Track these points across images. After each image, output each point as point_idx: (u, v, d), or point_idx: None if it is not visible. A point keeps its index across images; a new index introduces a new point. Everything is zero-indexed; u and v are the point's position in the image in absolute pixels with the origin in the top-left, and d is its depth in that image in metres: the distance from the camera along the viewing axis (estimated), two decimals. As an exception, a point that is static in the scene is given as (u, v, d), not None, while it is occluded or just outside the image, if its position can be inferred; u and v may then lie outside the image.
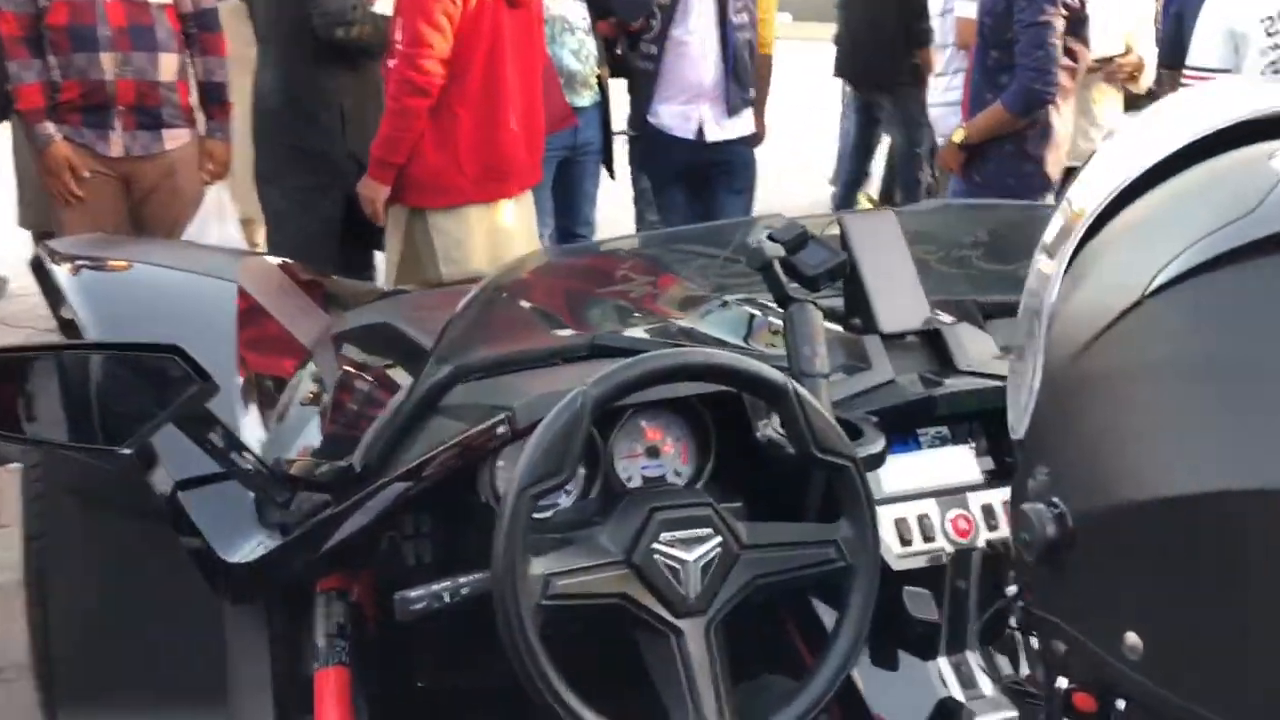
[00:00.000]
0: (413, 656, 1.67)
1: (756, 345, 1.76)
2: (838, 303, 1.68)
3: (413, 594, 1.26)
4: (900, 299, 1.65)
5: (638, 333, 1.79)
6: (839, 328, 1.67)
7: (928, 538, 1.55)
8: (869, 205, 6.42)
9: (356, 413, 1.76)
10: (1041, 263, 0.86)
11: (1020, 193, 3.57)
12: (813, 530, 1.32)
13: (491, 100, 3.36)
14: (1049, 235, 0.87)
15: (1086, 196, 0.84)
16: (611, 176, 4.53)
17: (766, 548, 1.29)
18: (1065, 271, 0.84)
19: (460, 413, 1.53)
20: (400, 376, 1.84)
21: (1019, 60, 3.48)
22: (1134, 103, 5.71)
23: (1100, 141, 2.45)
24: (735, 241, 1.90)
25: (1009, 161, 3.60)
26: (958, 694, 1.52)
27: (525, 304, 1.82)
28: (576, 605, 1.21)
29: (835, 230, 1.67)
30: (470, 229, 3.44)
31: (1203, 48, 2.96)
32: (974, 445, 1.65)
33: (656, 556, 1.24)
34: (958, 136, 3.68)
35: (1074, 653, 0.80)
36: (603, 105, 4.34)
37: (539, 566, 1.19)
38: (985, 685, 1.54)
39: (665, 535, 1.25)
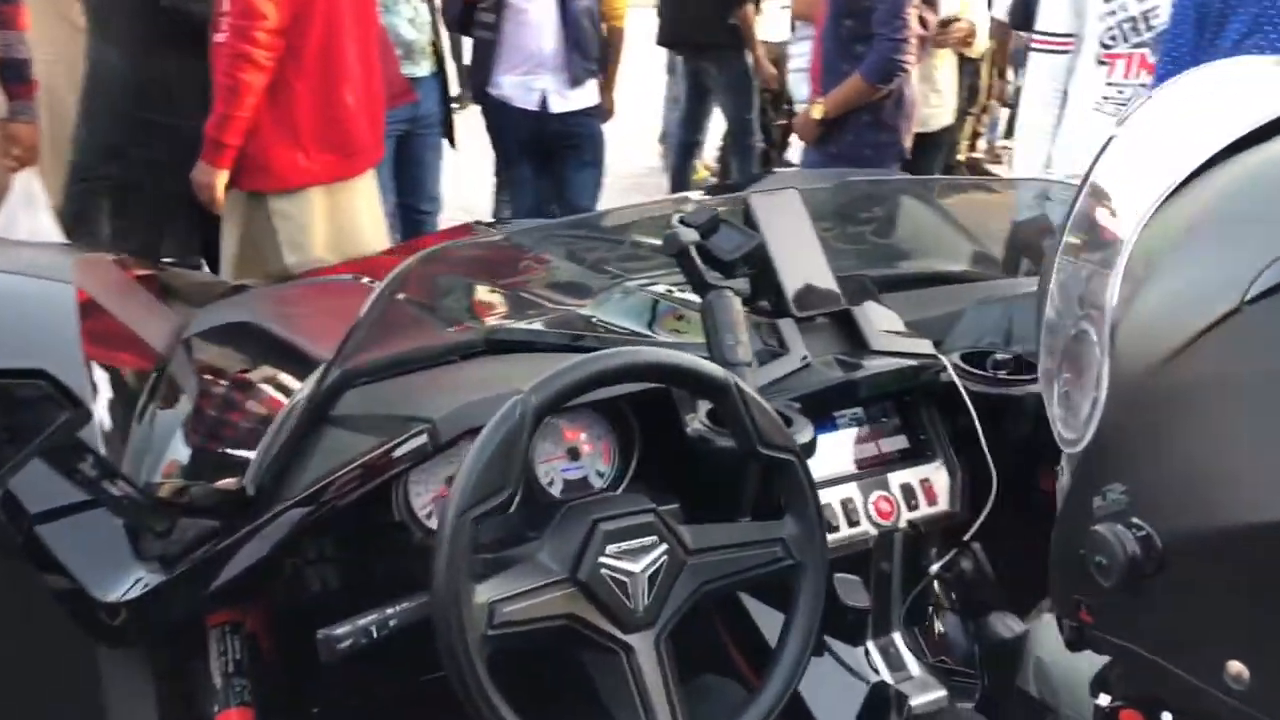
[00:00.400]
0: (321, 688, 1.54)
1: (661, 333, 1.69)
2: (740, 283, 1.63)
3: (338, 631, 1.14)
4: (811, 280, 1.61)
5: (537, 325, 1.69)
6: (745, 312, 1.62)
7: (853, 522, 1.53)
8: (706, 174, 6.41)
9: (233, 426, 1.61)
10: (1076, 258, 0.81)
11: (876, 162, 3.59)
12: (758, 529, 1.26)
13: (330, 74, 3.16)
14: (1077, 228, 0.82)
15: (1122, 187, 0.79)
16: (453, 147, 4.37)
17: (712, 551, 1.23)
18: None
19: (358, 423, 1.41)
20: (274, 382, 1.70)
21: (877, 30, 3.48)
22: (966, 67, 5.88)
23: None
24: (643, 227, 1.81)
25: (866, 132, 3.61)
26: (886, 677, 1.50)
27: (416, 300, 1.69)
28: (524, 631, 1.12)
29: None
30: (314, 213, 3.23)
31: (1049, 13, 3.02)
32: (887, 423, 1.63)
33: (603, 571, 1.16)
34: (816, 112, 3.65)
35: (1152, 679, 0.75)
36: (440, 75, 4.18)
37: (482, 594, 1.10)
38: (913, 666, 1.53)
39: (610, 548, 1.17)
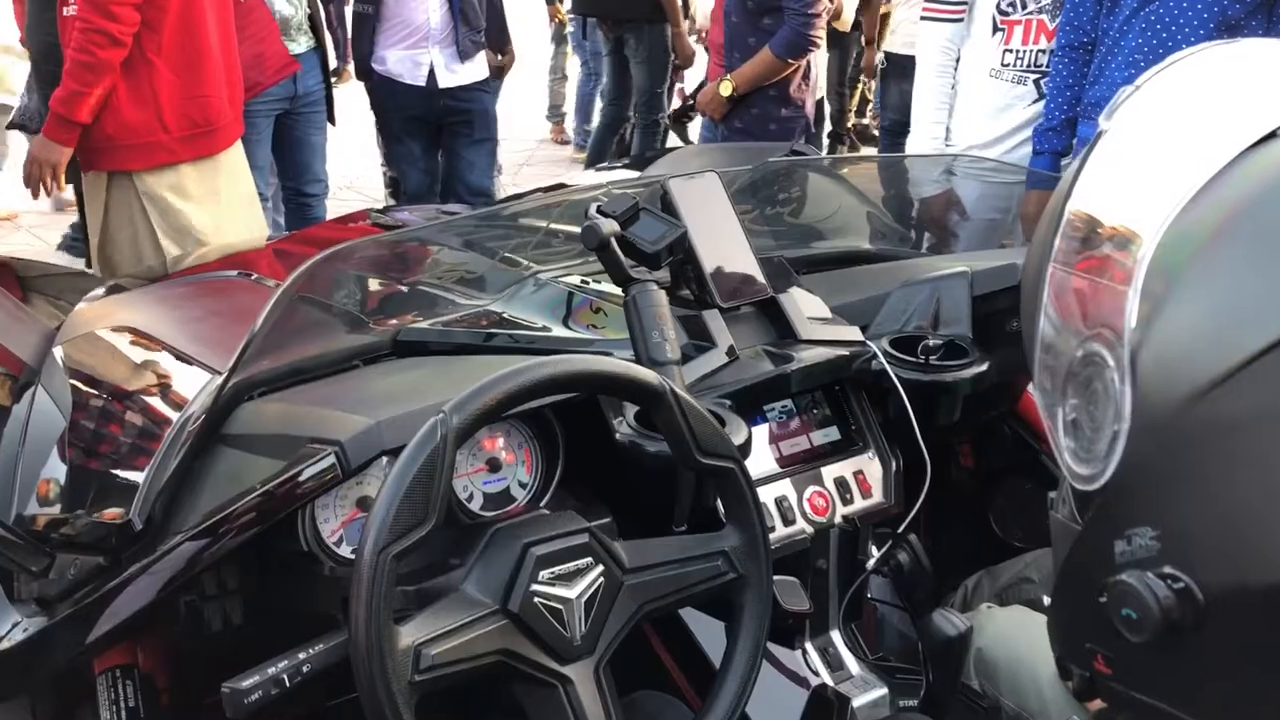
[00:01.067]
0: None
1: (577, 327, 1.60)
2: (661, 274, 1.54)
3: (244, 684, 1.03)
4: (735, 269, 1.54)
5: (444, 323, 1.58)
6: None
7: (788, 521, 1.46)
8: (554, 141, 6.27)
9: (115, 447, 1.47)
10: (1072, 269, 0.74)
11: (781, 136, 3.53)
12: (698, 542, 1.18)
13: (190, 48, 2.99)
14: (1071, 234, 0.75)
15: (1124, 189, 0.72)
16: (333, 124, 4.18)
17: (651, 569, 1.15)
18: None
19: (256, 443, 1.29)
20: (160, 396, 1.56)
21: (787, 5, 3.41)
22: (837, 41, 5.87)
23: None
24: (555, 214, 1.71)
25: (772, 106, 3.53)
26: (826, 678, 1.45)
27: (313, 299, 1.57)
28: (453, 673, 1.02)
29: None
30: (186, 192, 3.06)
31: None
32: (817, 414, 1.57)
33: (536, 600, 1.07)
34: (725, 88, 3.54)
35: None
36: (319, 51, 3.99)
37: (406, 636, 1.00)
38: (853, 665, 1.49)
39: (543, 573, 1.08)
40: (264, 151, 3.78)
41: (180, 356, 1.58)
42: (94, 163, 2.98)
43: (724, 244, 1.54)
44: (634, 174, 2.70)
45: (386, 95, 3.99)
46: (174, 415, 1.40)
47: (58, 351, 1.71)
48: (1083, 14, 2.64)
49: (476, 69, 4.05)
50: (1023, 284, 0.92)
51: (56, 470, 1.46)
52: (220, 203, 3.14)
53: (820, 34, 3.48)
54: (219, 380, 1.34)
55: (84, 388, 1.61)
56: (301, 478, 1.14)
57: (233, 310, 1.83)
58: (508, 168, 5.83)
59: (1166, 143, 0.77)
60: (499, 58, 4.66)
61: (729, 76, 3.53)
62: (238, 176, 3.26)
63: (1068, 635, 0.83)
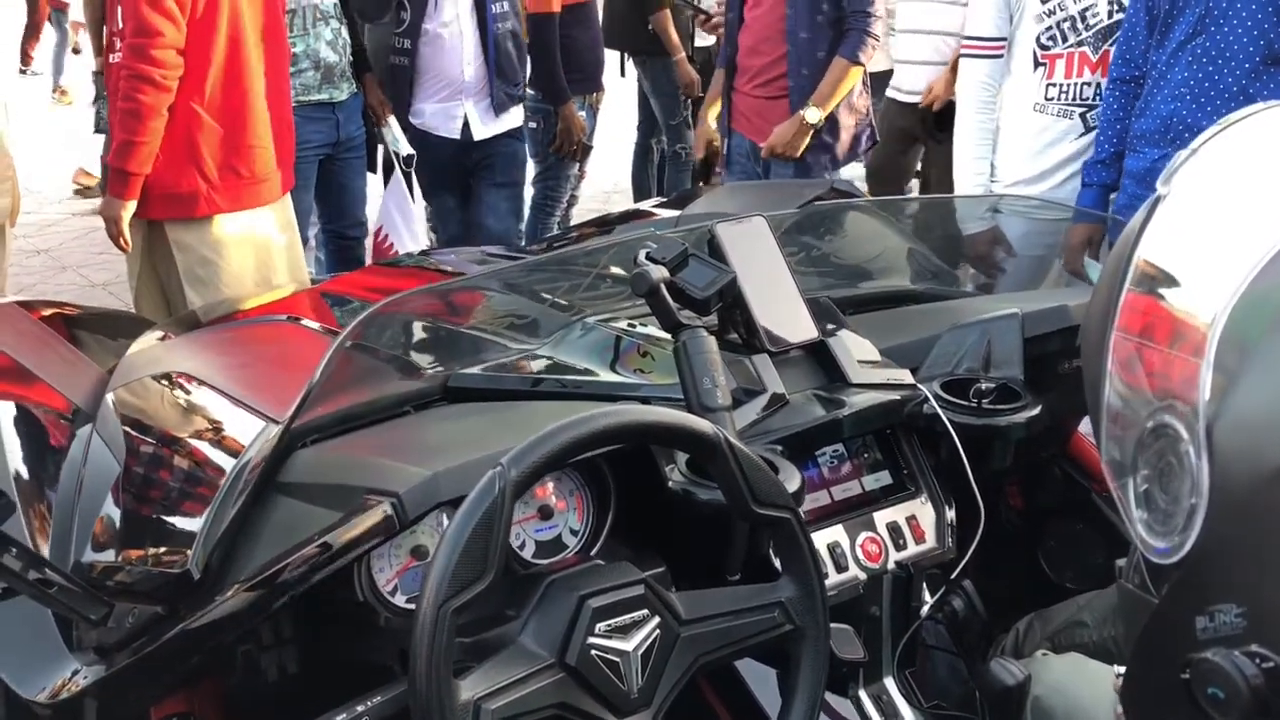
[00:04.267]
0: None
1: (625, 372, 1.60)
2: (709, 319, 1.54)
3: None
4: (783, 312, 1.54)
5: (493, 369, 1.59)
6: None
7: (841, 568, 1.45)
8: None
9: (171, 495, 1.48)
10: (1138, 337, 0.73)
11: (851, 148, 3.56)
12: (754, 593, 1.17)
13: (234, 96, 2.99)
14: (1130, 308, 0.73)
15: (1189, 256, 0.71)
16: (373, 171, 4.19)
17: (707, 620, 1.14)
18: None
19: (311, 492, 1.30)
20: (215, 443, 1.57)
21: (853, 8, 3.35)
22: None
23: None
24: (602, 258, 1.72)
25: (837, 117, 3.49)
26: None
27: (364, 346, 1.58)
28: None
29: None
30: (218, 243, 3.05)
31: (978, 18, 2.97)
32: (868, 458, 1.56)
33: (594, 653, 1.07)
34: (815, 116, 3.38)
35: None
36: (361, 98, 4.01)
37: (465, 691, 1.00)
38: (907, 713, 1.47)
39: (600, 625, 1.08)
40: (308, 198, 3.80)
41: (233, 402, 1.59)
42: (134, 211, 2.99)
43: (772, 288, 1.54)
44: (671, 213, 2.70)
45: (420, 148, 3.95)
46: (228, 463, 1.41)
47: (111, 397, 1.73)
48: (1135, 47, 2.63)
49: (511, 119, 4.02)
50: (1083, 347, 0.91)
51: (113, 517, 1.47)
52: (260, 254, 3.14)
53: (880, 34, 3.48)
54: (275, 429, 1.36)
55: (138, 434, 1.62)
56: (359, 530, 1.15)
57: (282, 356, 1.84)
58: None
59: (1231, 209, 0.76)
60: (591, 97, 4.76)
61: (811, 103, 3.39)
62: (283, 227, 3.26)
63: (1147, 709, 0.81)
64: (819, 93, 3.41)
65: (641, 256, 1.39)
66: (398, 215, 3.96)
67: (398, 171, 3.98)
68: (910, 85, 4.14)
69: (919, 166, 4.66)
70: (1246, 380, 0.70)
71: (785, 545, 1.17)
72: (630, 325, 1.65)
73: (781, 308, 1.54)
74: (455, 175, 4.02)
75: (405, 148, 3.94)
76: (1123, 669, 1.37)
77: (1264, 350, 0.70)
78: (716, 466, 1.13)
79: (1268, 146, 0.79)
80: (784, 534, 1.17)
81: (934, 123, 4.00)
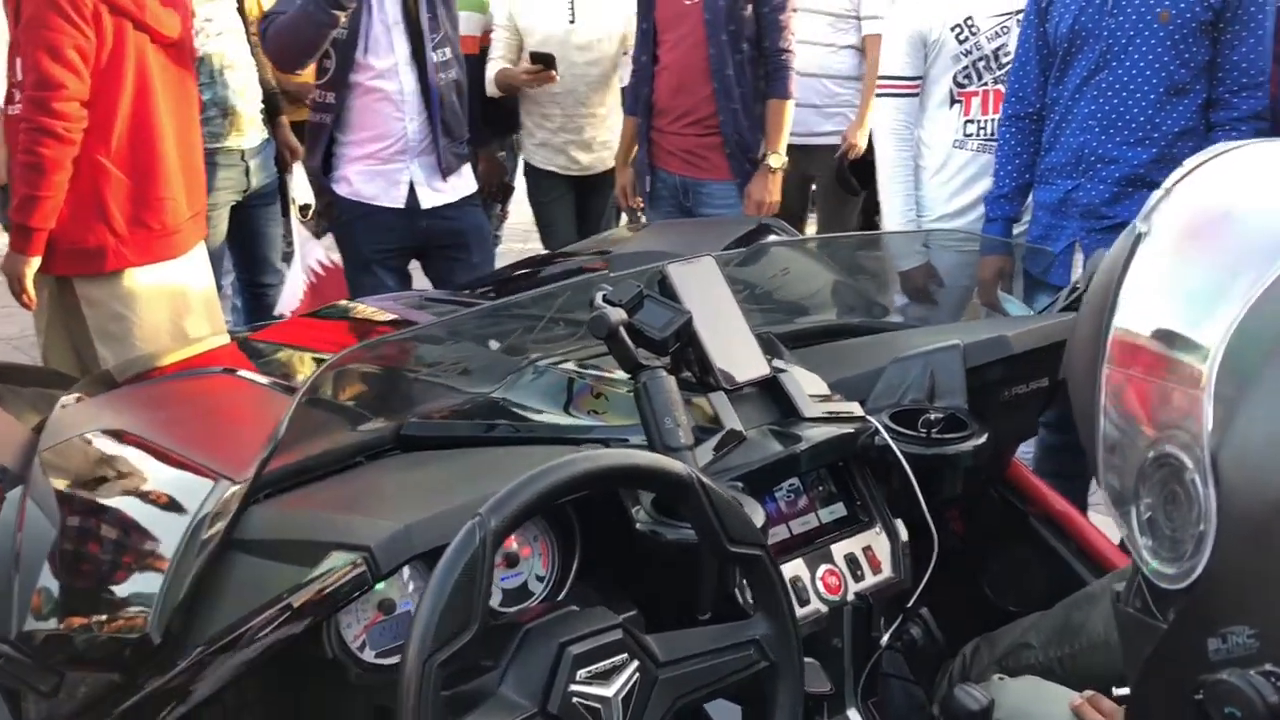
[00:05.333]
0: None
1: (579, 414, 1.60)
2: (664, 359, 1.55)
3: None
4: (736, 350, 1.55)
5: (446, 415, 1.58)
6: None
7: (803, 601, 1.46)
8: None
9: (119, 558, 1.44)
10: (1127, 369, 0.75)
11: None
12: (728, 632, 1.18)
13: (142, 147, 2.90)
14: (1123, 335, 0.76)
15: (1176, 290, 0.74)
16: (285, 216, 4.09)
17: (684, 661, 1.14)
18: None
19: (273, 549, 1.27)
20: (161, 502, 1.52)
21: (775, 48, 3.54)
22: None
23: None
24: (552, 301, 1.72)
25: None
26: None
27: (316, 399, 1.55)
28: None
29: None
30: (130, 298, 2.95)
31: (892, 59, 3.06)
32: (823, 491, 1.58)
33: (575, 700, 1.06)
34: (777, 161, 3.58)
35: None
36: (273, 143, 3.95)
37: None
38: None
39: (580, 672, 1.07)
40: (220, 246, 3.70)
41: (177, 459, 1.55)
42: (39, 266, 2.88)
43: (724, 326, 1.56)
44: (598, 252, 2.72)
45: (355, 219, 3.35)
46: (179, 521, 1.37)
47: (42, 458, 1.67)
48: (1027, 85, 2.73)
49: (464, 183, 3.46)
50: (1070, 380, 0.94)
51: (57, 583, 1.42)
52: (175, 306, 3.04)
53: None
54: (229, 485, 1.32)
55: (77, 494, 1.57)
56: (330, 586, 1.13)
57: (223, 409, 1.80)
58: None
59: (1216, 244, 0.80)
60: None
61: (769, 152, 3.60)
62: (198, 279, 3.16)
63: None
64: (770, 139, 3.59)
65: (598, 299, 1.40)
66: (291, 272, 3.68)
67: (297, 224, 3.76)
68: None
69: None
70: (1247, 409, 0.73)
71: (758, 582, 1.18)
72: (582, 366, 1.65)
73: (734, 345, 1.56)
74: (397, 252, 3.43)
75: (304, 197, 3.74)
76: (1081, 693, 1.40)
77: (1263, 380, 0.73)
78: (689, 506, 1.14)
79: (1246, 182, 0.83)
80: (757, 571, 1.18)
81: (852, 173, 4.08)
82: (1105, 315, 0.85)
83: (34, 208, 2.75)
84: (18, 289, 2.86)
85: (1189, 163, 0.90)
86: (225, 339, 2.67)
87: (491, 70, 4.08)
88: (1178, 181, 0.88)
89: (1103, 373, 0.83)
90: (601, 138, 4.31)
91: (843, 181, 4.15)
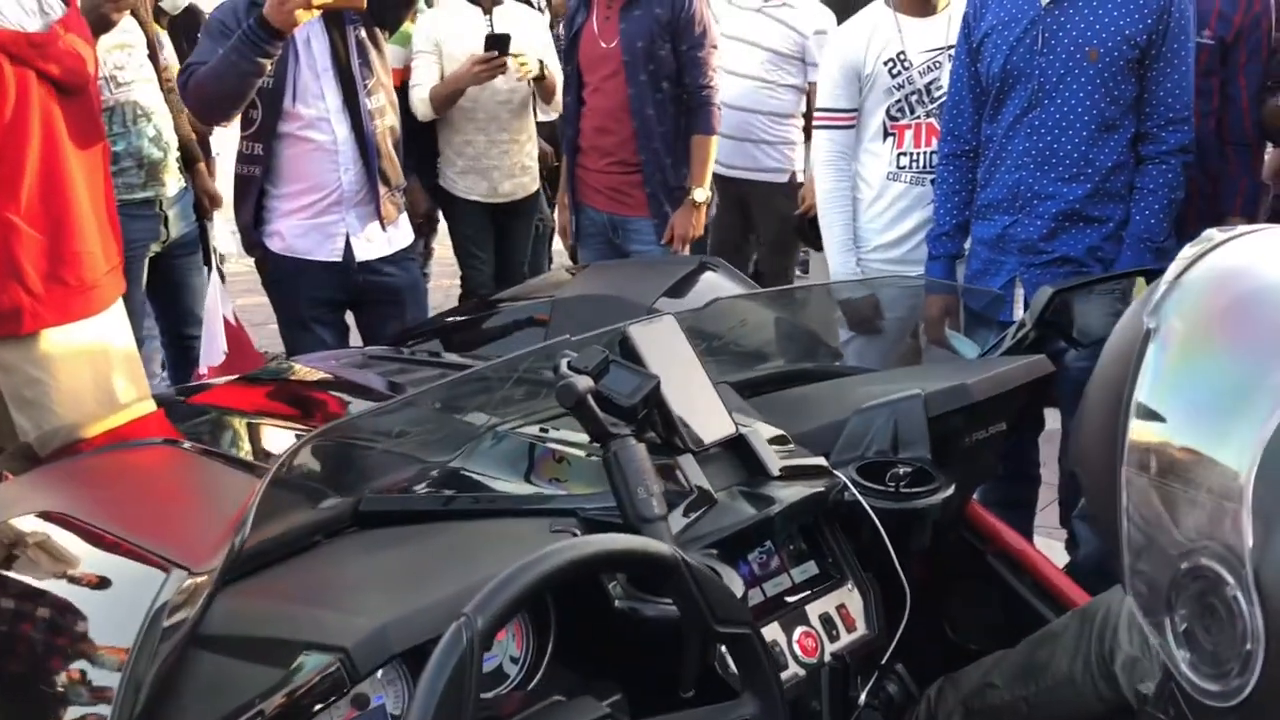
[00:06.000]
0: None
1: (541, 481, 1.56)
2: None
3: None
4: (701, 409, 1.53)
5: (404, 489, 1.53)
6: None
7: (781, 666, 1.44)
8: None
9: (65, 658, 1.36)
10: (1150, 474, 0.73)
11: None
12: (716, 714, 1.15)
13: (54, 202, 2.74)
14: (1138, 447, 0.74)
15: (1195, 394, 0.71)
16: (208, 265, 3.98)
17: None
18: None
19: (240, 648, 1.20)
20: (107, 595, 1.45)
21: (696, 84, 3.60)
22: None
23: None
24: (519, 372, 1.68)
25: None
26: None
27: (278, 474, 1.49)
28: None
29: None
30: (46, 360, 2.77)
31: (828, 92, 3.09)
32: (794, 550, 1.56)
33: None
34: (701, 196, 3.67)
35: None
36: (191, 190, 3.83)
37: None
38: None
39: None
40: (138, 294, 3.58)
41: (125, 547, 1.48)
42: None
43: (688, 386, 1.53)
44: (535, 298, 2.68)
45: (290, 275, 3.22)
46: (134, 618, 1.30)
47: None
48: (962, 124, 2.77)
49: (401, 234, 3.34)
50: (1085, 480, 0.92)
51: (-2, 686, 1.34)
52: (96, 366, 2.92)
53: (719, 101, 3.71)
54: (190, 577, 1.26)
55: (13, 587, 1.49)
56: (304, 689, 1.07)
57: (168, 486, 1.73)
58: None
59: (1238, 341, 0.78)
60: None
61: (693, 186, 3.67)
62: (118, 335, 3.04)
63: None
64: (694, 174, 3.67)
65: (564, 366, 1.37)
66: (207, 324, 3.52)
67: (214, 276, 3.63)
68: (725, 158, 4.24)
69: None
70: None
71: (745, 661, 1.16)
72: (543, 430, 1.61)
73: (699, 405, 1.53)
74: (331, 306, 3.31)
75: (225, 246, 3.70)
76: None
77: None
78: (674, 587, 1.11)
79: (1257, 274, 0.82)
80: (744, 649, 1.15)
81: (811, 229, 4.10)
82: (1121, 416, 0.83)
83: None
84: None
85: (1187, 252, 0.88)
86: (151, 404, 2.57)
87: (416, 96, 4.08)
88: (1182, 272, 0.86)
89: (1122, 474, 0.81)
90: (523, 164, 4.37)
91: (803, 236, 4.18)
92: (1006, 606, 1.91)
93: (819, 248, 4.13)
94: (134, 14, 3.50)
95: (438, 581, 1.16)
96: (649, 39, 3.56)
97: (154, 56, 3.63)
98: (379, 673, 1.22)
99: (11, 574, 1.52)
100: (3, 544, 1.59)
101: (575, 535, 1.32)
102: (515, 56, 3.94)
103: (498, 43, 3.82)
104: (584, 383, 1.34)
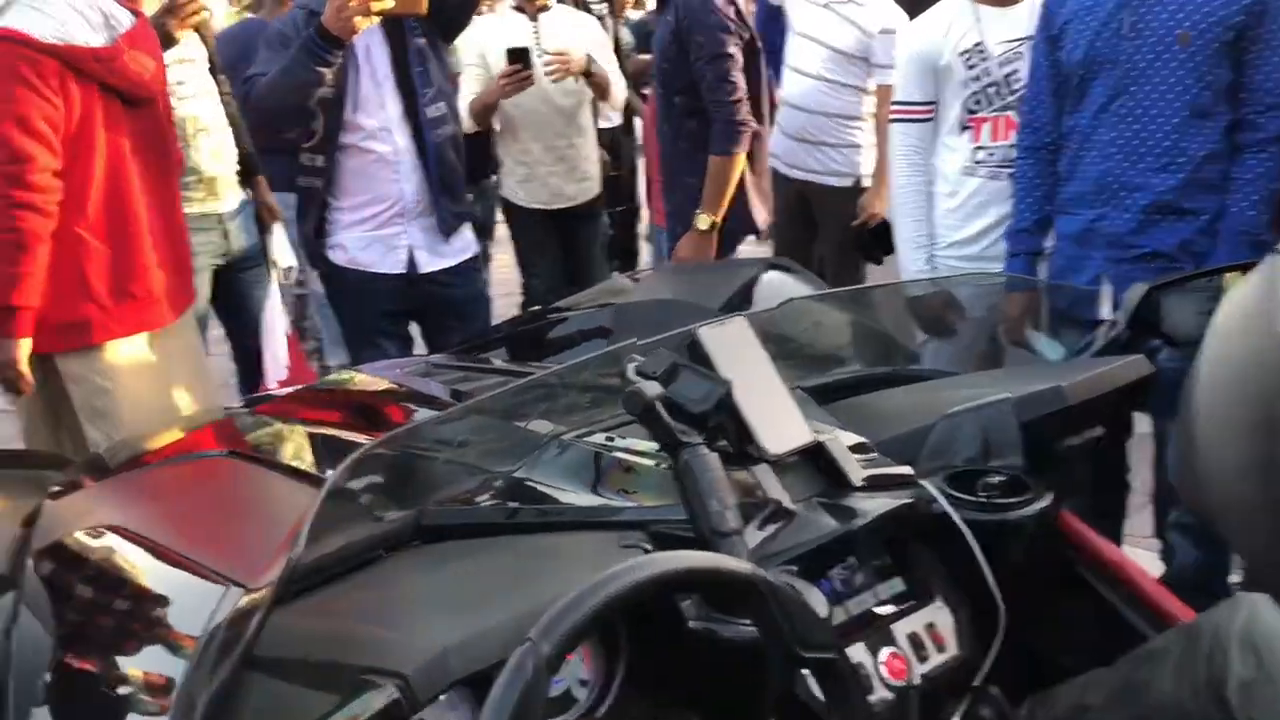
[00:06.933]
0: None
1: (608, 493, 1.49)
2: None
3: None
4: (776, 416, 1.45)
5: (467, 500, 1.47)
6: None
7: (867, 690, 1.35)
8: None
9: (124, 676, 1.32)
10: None
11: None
12: None
13: (120, 213, 2.80)
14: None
15: None
16: (277, 278, 3.97)
17: None
18: None
19: (296, 671, 1.15)
20: (165, 613, 1.41)
21: (709, 101, 3.31)
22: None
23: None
24: (583, 379, 1.62)
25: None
26: None
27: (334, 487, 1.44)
28: None
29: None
30: (115, 371, 2.83)
31: (906, 84, 2.99)
32: (878, 565, 1.47)
33: None
34: (704, 223, 3.36)
35: None
36: (252, 204, 3.84)
37: None
38: None
39: None
40: (204, 312, 3.58)
41: (180, 561, 1.44)
42: None
43: (762, 391, 1.45)
44: (598, 305, 2.62)
45: (354, 288, 3.17)
46: (190, 636, 1.26)
47: (32, 563, 1.55)
48: (1040, 115, 2.66)
49: (464, 245, 3.26)
50: (1206, 492, 0.83)
51: (55, 704, 1.30)
52: (163, 378, 2.93)
53: (748, 119, 3.38)
54: (241, 594, 1.21)
55: (72, 603, 1.46)
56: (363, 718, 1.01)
57: (226, 500, 1.69)
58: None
59: None
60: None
61: (700, 212, 3.39)
62: (186, 347, 3.05)
63: None
64: (705, 199, 3.38)
65: (630, 371, 1.30)
66: (266, 342, 3.54)
67: (274, 289, 3.65)
68: (787, 158, 4.15)
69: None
70: None
71: (833, 688, 1.07)
72: (609, 439, 1.55)
73: (773, 412, 1.45)
74: (395, 318, 3.25)
75: (286, 259, 3.66)
76: None
77: None
78: (752, 608, 1.03)
79: None
80: (831, 676, 1.07)
81: (872, 240, 3.98)
82: (1268, 434, 0.74)
83: (17, 286, 2.64)
84: (12, 375, 2.72)
85: None
86: (220, 413, 2.56)
87: (463, 105, 4.02)
88: None
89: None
90: (583, 168, 4.33)
91: (865, 251, 4.06)
92: (1100, 622, 1.80)
93: (879, 261, 4.04)
94: (196, 29, 3.52)
95: (501, 602, 1.10)
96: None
97: (214, 70, 3.64)
98: (443, 697, 1.16)
99: (73, 589, 1.49)
100: (67, 558, 1.57)
101: (645, 551, 1.25)
102: (555, 55, 3.89)
103: (518, 56, 3.73)
104: (652, 389, 1.27)
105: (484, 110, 4.02)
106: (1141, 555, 2.84)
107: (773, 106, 3.90)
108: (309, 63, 2.81)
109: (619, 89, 4.27)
